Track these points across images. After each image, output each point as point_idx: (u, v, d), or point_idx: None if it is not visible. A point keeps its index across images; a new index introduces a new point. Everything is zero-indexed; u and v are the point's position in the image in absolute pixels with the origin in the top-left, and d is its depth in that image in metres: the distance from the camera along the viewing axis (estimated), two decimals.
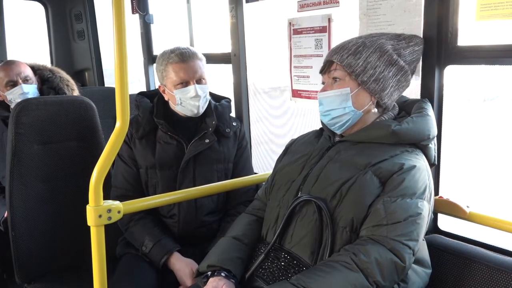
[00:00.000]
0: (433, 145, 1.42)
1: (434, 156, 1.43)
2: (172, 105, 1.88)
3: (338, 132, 1.46)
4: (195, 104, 1.81)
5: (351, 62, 1.38)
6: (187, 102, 1.81)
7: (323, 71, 1.47)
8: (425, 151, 1.40)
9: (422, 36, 1.53)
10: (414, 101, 1.49)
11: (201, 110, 1.85)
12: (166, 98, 1.88)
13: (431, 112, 1.43)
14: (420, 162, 1.33)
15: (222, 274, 1.36)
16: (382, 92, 1.40)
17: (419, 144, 1.39)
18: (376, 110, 1.44)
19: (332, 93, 1.42)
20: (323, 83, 1.48)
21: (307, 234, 1.32)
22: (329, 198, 1.30)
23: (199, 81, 1.82)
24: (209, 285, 1.34)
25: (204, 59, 1.87)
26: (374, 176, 1.28)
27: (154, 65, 1.95)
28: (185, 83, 1.80)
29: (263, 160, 2.66)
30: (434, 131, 1.41)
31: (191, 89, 1.80)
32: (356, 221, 1.26)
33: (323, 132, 1.55)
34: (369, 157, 1.32)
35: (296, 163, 1.47)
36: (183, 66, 1.80)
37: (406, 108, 1.49)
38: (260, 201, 1.61)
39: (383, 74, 1.39)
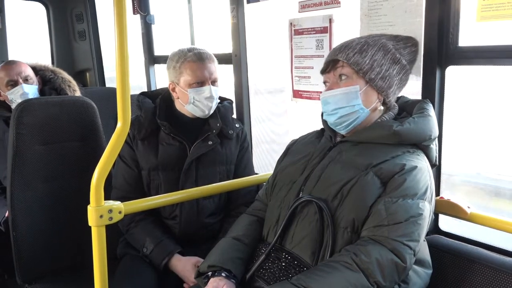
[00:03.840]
0: (434, 146, 1.42)
1: (436, 157, 1.43)
2: (178, 105, 1.88)
3: (343, 132, 1.45)
4: (208, 104, 1.82)
5: (358, 60, 1.38)
6: (201, 102, 1.81)
7: (326, 70, 1.45)
8: (426, 152, 1.40)
9: (423, 37, 1.54)
10: (416, 102, 1.49)
11: (211, 112, 1.86)
12: (175, 97, 1.87)
13: (432, 112, 1.43)
14: (422, 162, 1.33)
15: (223, 274, 1.36)
16: (389, 90, 1.41)
17: (421, 144, 1.39)
18: (382, 108, 1.45)
19: (340, 91, 1.40)
20: (324, 82, 1.47)
21: (308, 234, 1.32)
22: (331, 198, 1.30)
23: (213, 83, 1.83)
24: (209, 286, 1.34)
25: (217, 62, 1.88)
26: (376, 176, 1.28)
27: (168, 61, 1.88)
28: (200, 83, 1.80)
29: (264, 161, 2.67)
30: (435, 131, 1.41)
31: (206, 89, 1.80)
32: (357, 222, 1.26)
33: (324, 133, 1.55)
34: (371, 158, 1.32)
35: (298, 164, 1.47)
36: (201, 65, 1.80)
37: (408, 108, 1.49)
38: (260, 202, 1.61)
39: (388, 72, 1.40)
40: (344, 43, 1.45)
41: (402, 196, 1.24)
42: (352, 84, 1.39)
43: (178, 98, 1.87)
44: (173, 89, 1.87)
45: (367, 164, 1.31)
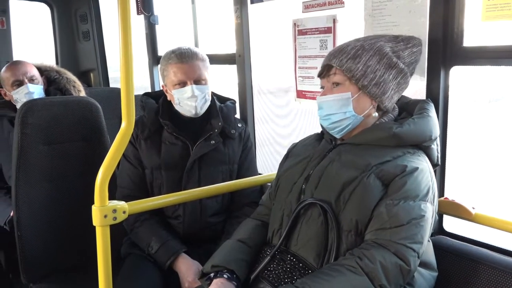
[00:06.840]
0: (435, 146, 1.41)
1: (437, 157, 1.42)
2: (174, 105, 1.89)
3: (338, 136, 1.45)
4: (192, 104, 1.81)
5: (351, 66, 1.36)
6: (184, 102, 1.81)
7: (322, 75, 1.45)
8: (427, 152, 1.38)
9: (427, 37, 1.52)
10: (417, 102, 1.47)
11: (200, 111, 1.85)
12: (168, 98, 1.89)
13: (432, 113, 1.41)
14: (423, 163, 1.32)
15: (225, 276, 1.36)
16: (383, 96, 1.38)
17: (421, 145, 1.37)
18: (376, 113, 1.42)
19: (332, 98, 1.40)
20: (322, 87, 1.47)
21: (313, 236, 1.31)
22: (333, 201, 1.30)
23: (197, 81, 1.81)
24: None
25: (206, 59, 1.86)
26: (377, 179, 1.27)
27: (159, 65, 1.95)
28: (182, 84, 1.80)
29: (267, 161, 2.67)
30: (436, 132, 1.39)
31: (188, 89, 1.79)
32: (360, 225, 1.26)
33: (324, 135, 1.54)
34: (370, 158, 1.31)
35: (298, 165, 1.46)
36: (181, 66, 1.80)
37: (409, 108, 1.47)
38: (264, 207, 1.60)
39: (383, 77, 1.37)
40: (340, 46, 1.43)
41: (403, 198, 1.23)
42: (344, 90, 1.38)
43: (170, 99, 1.88)
44: (166, 91, 1.88)
45: (366, 164, 1.30)
